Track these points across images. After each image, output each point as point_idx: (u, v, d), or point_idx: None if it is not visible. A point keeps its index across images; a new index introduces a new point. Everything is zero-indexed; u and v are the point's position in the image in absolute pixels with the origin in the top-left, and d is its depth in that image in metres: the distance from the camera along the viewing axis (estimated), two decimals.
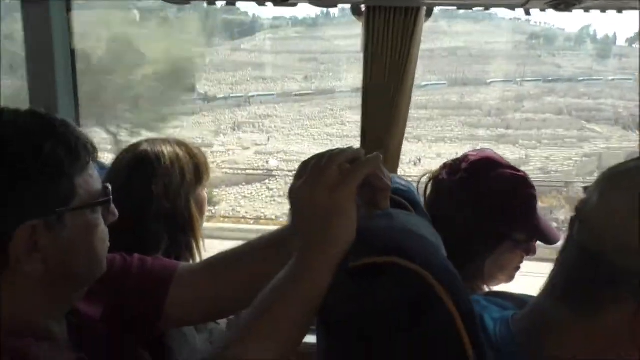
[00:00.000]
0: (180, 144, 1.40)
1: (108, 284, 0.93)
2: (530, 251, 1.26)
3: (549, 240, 1.23)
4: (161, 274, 1.01)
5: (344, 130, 19.27)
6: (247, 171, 17.72)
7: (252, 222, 15.38)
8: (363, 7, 1.61)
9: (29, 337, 0.80)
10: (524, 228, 1.21)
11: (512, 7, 1.55)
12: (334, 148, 0.80)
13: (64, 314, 0.88)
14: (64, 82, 1.69)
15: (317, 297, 0.73)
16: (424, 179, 1.28)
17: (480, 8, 1.62)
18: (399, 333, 0.66)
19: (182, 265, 1.04)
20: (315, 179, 0.75)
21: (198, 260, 1.39)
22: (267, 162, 18.58)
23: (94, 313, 0.95)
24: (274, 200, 16.30)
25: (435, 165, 1.32)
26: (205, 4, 1.55)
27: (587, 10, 1.48)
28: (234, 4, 1.57)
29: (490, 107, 20.05)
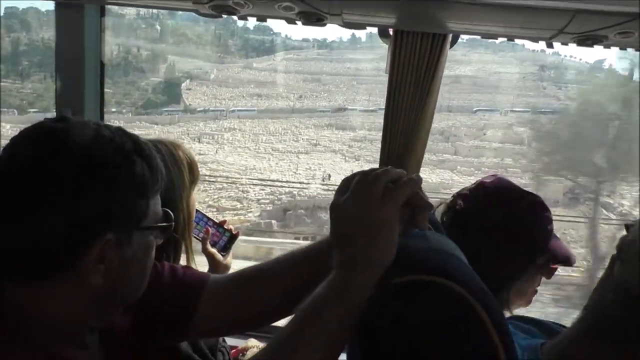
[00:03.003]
0: (175, 144, 1.40)
1: None
2: (551, 274, 1.26)
3: (568, 261, 1.24)
4: (192, 284, 1.02)
5: (293, 146, 19.36)
6: None
7: None
8: (391, 31, 1.64)
9: (63, 341, 0.81)
10: (546, 251, 1.21)
11: (536, 40, 1.57)
12: (376, 167, 0.82)
13: (101, 327, 0.89)
14: (93, 87, 1.71)
15: (356, 312, 0.74)
16: (440, 209, 1.27)
17: (504, 38, 1.65)
18: (439, 350, 0.68)
19: (213, 277, 1.05)
20: (361, 195, 0.77)
21: (184, 258, 1.40)
22: None
23: (124, 321, 0.95)
24: None
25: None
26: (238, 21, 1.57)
27: (607, 47, 1.50)
28: (264, 21, 1.60)
29: (451, 133, 20.09)
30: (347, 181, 0.82)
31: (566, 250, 1.25)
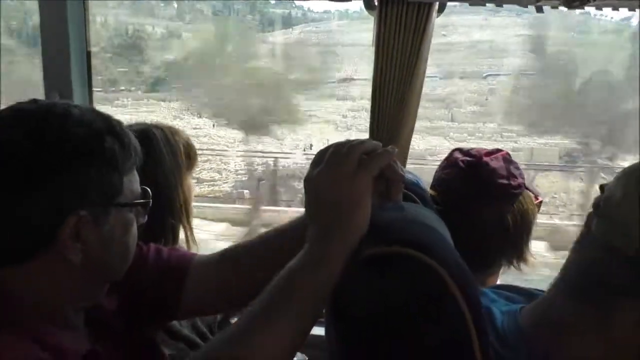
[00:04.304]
0: (172, 130, 1.40)
1: (125, 274, 0.95)
2: None
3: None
4: (177, 265, 1.03)
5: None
6: None
7: None
8: (376, 1, 1.61)
9: (48, 323, 0.82)
10: None
11: (524, 4, 1.54)
12: (351, 139, 0.83)
13: (86, 307, 0.91)
14: (79, 71, 1.73)
15: (329, 285, 0.75)
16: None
17: (492, 4, 1.61)
18: (410, 323, 0.68)
19: (198, 256, 1.07)
20: (334, 167, 0.78)
21: (182, 242, 1.41)
22: None
23: (110, 304, 0.97)
24: None
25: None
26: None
27: (599, 8, 1.46)
28: None
29: (451, 100, 19.49)
30: (321, 153, 0.82)
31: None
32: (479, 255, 1.16)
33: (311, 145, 16.58)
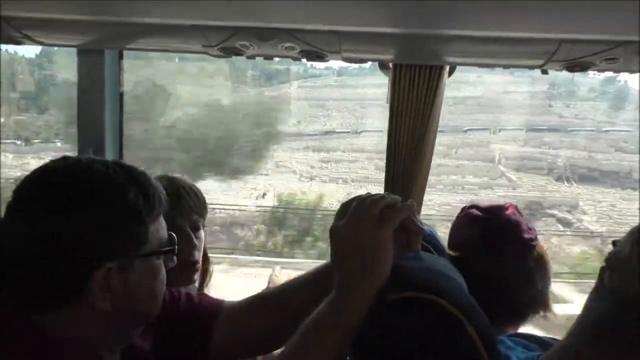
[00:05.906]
0: (175, 179, 1.42)
1: (158, 317, 0.98)
2: None
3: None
4: (208, 309, 1.08)
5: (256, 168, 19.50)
6: None
7: None
8: (390, 64, 1.72)
9: None
10: None
11: (531, 67, 1.65)
12: (374, 193, 0.89)
13: (120, 348, 0.94)
14: (112, 125, 1.81)
15: (354, 327, 0.80)
16: None
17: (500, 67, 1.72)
18: None
19: (228, 302, 1.11)
20: (358, 219, 0.84)
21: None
22: None
23: (144, 345, 1.00)
24: None
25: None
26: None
27: (601, 71, 1.56)
28: (271, 59, 1.69)
29: None
30: (345, 206, 0.89)
31: None
32: (505, 308, 1.20)
33: (264, 194, 16.74)
